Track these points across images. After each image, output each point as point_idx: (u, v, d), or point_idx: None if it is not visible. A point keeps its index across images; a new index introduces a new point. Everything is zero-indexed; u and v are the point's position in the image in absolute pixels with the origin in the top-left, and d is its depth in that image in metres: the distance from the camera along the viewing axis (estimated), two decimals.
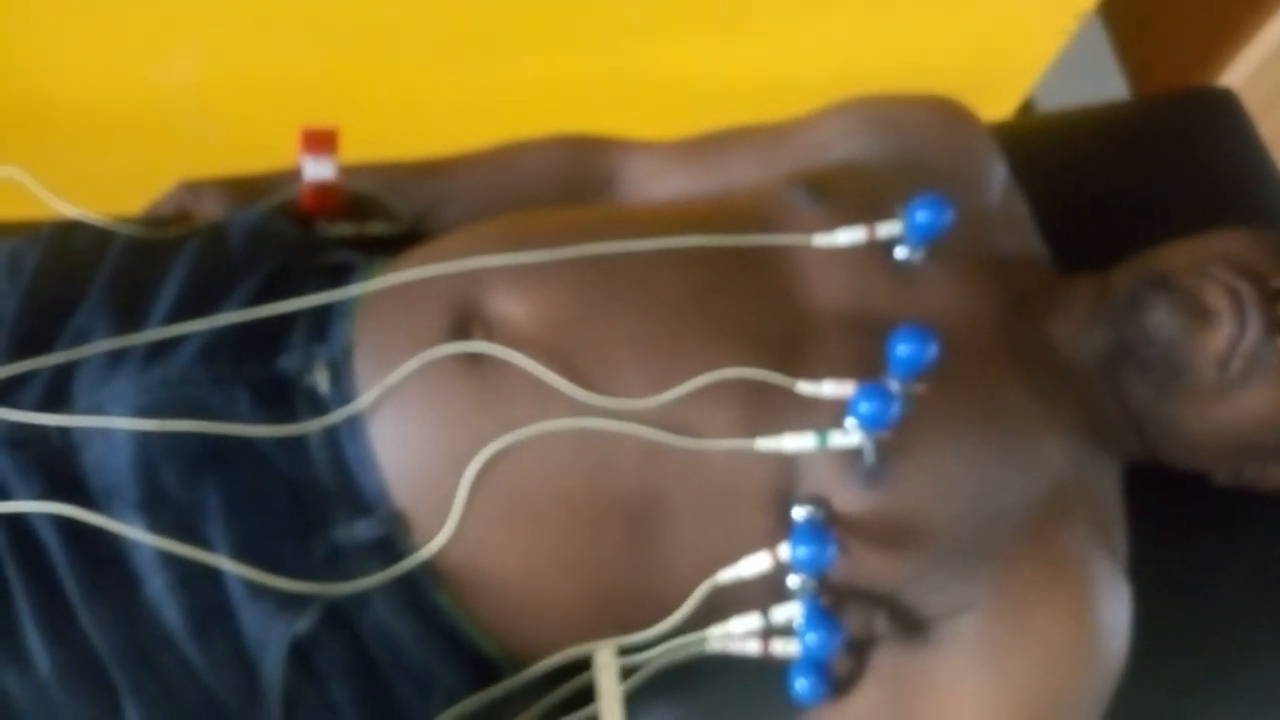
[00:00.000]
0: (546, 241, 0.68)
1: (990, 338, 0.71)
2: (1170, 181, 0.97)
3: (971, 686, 0.65)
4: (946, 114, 0.83)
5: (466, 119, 0.93)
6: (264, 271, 0.73)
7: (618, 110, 0.97)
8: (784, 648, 0.65)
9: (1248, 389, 0.68)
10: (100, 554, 0.63)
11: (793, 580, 0.63)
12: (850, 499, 0.64)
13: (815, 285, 0.70)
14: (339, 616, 0.65)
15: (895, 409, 0.61)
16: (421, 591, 0.66)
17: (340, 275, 0.75)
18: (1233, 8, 1.32)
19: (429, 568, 0.66)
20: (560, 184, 0.86)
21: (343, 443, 0.67)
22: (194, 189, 0.82)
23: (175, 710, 0.62)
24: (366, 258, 0.77)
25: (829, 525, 0.63)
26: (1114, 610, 0.67)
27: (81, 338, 0.69)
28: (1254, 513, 0.79)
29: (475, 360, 0.66)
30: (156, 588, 0.63)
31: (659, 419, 0.64)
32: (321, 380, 0.68)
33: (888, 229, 0.69)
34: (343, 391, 0.67)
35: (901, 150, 0.79)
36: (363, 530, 0.66)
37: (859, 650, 0.68)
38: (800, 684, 0.63)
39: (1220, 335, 0.67)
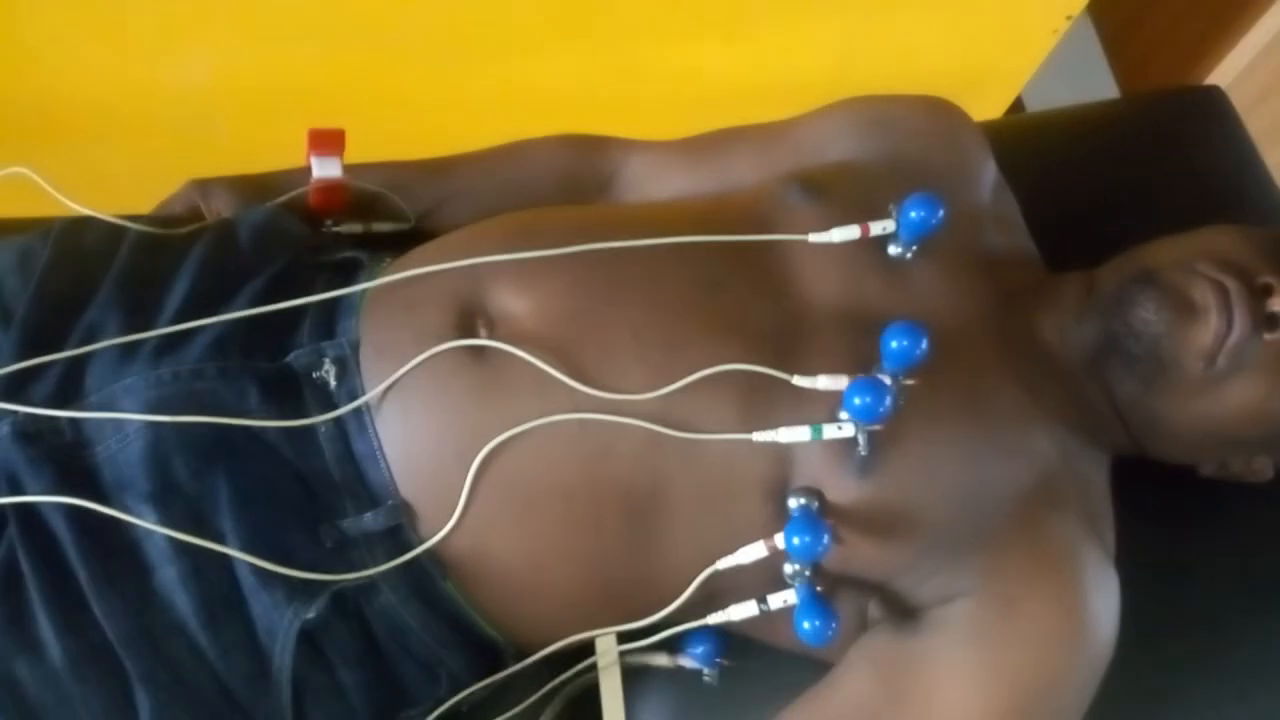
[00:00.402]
0: (549, 239, 0.69)
1: (980, 333, 0.72)
2: (1159, 179, 0.97)
3: (962, 673, 0.66)
4: (940, 114, 0.84)
5: (470, 120, 0.94)
6: (273, 268, 0.73)
7: (618, 110, 0.98)
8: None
9: (1233, 383, 0.68)
10: (112, 544, 0.64)
11: (788, 568, 0.64)
12: (844, 489, 0.65)
13: (810, 281, 0.71)
14: (347, 605, 0.66)
15: (888, 402, 0.62)
16: (428, 580, 0.67)
17: (347, 272, 0.75)
18: (1221, 7, 1.32)
19: (435, 556, 0.67)
20: (562, 183, 0.86)
21: (350, 435, 0.67)
22: (204, 187, 0.83)
23: (186, 697, 0.63)
24: (373, 255, 0.77)
25: (823, 515, 0.64)
26: (1102, 598, 0.67)
27: (93, 333, 0.69)
28: (1239, 504, 0.80)
29: (479, 355, 0.66)
30: (168, 577, 0.63)
31: (658, 412, 0.65)
32: (329, 374, 0.69)
33: (881, 227, 0.70)
34: (350, 385, 0.68)
35: (896, 149, 0.80)
36: (370, 521, 0.66)
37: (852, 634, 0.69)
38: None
39: (1207, 331, 0.67)
